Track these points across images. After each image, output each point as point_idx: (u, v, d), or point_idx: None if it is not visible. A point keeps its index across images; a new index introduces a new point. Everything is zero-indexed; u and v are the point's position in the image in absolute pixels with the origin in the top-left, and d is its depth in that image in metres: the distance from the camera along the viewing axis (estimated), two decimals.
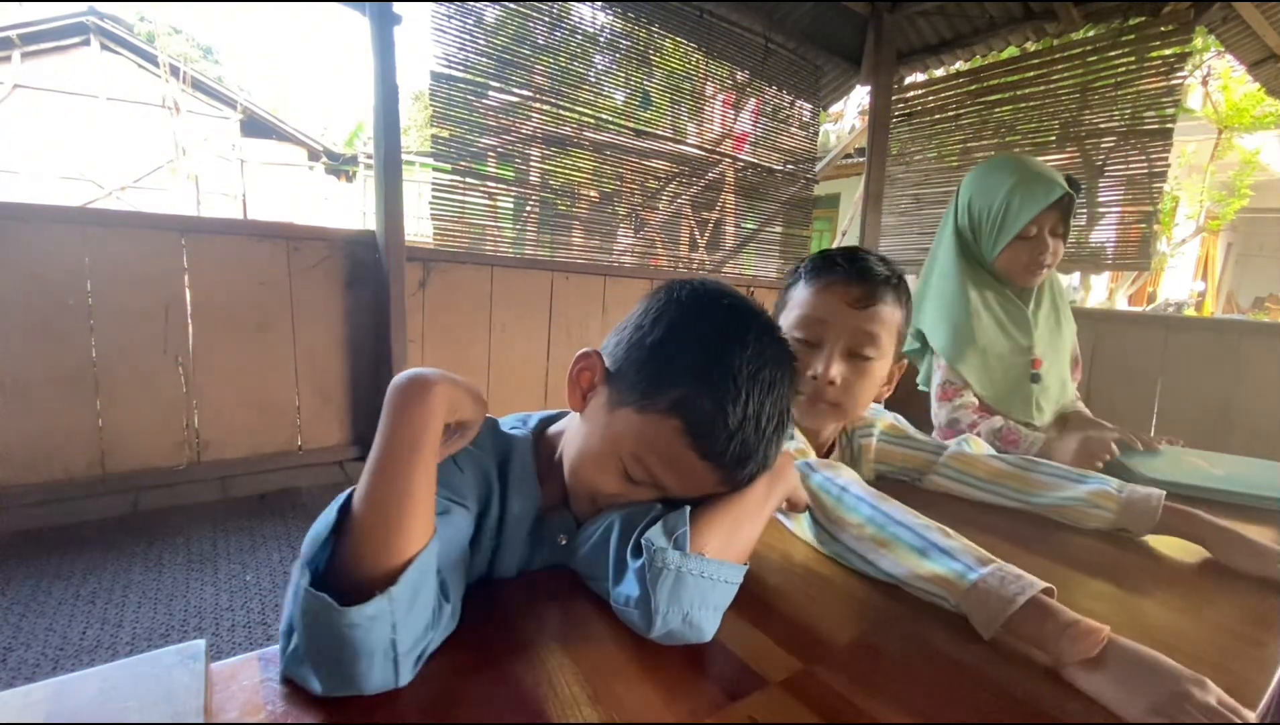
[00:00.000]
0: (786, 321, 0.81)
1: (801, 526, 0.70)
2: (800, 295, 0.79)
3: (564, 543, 0.59)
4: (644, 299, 0.58)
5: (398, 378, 0.45)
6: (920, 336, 1.31)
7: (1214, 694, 0.42)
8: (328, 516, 0.42)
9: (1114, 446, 1.00)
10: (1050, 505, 0.81)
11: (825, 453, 0.89)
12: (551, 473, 0.60)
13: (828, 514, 0.65)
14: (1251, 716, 0.42)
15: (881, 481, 0.93)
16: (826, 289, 0.77)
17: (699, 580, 0.47)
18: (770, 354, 0.53)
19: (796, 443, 0.77)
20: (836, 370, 0.76)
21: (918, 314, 1.28)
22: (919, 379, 1.37)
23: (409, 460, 0.42)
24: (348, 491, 0.43)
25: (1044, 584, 0.50)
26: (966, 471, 0.88)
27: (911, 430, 0.96)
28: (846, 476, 0.68)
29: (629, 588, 0.48)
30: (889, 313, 0.78)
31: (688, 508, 0.52)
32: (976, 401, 1.21)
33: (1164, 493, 0.76)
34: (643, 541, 0.48)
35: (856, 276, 0.76)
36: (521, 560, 0.59)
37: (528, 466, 0.59)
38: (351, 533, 0.40)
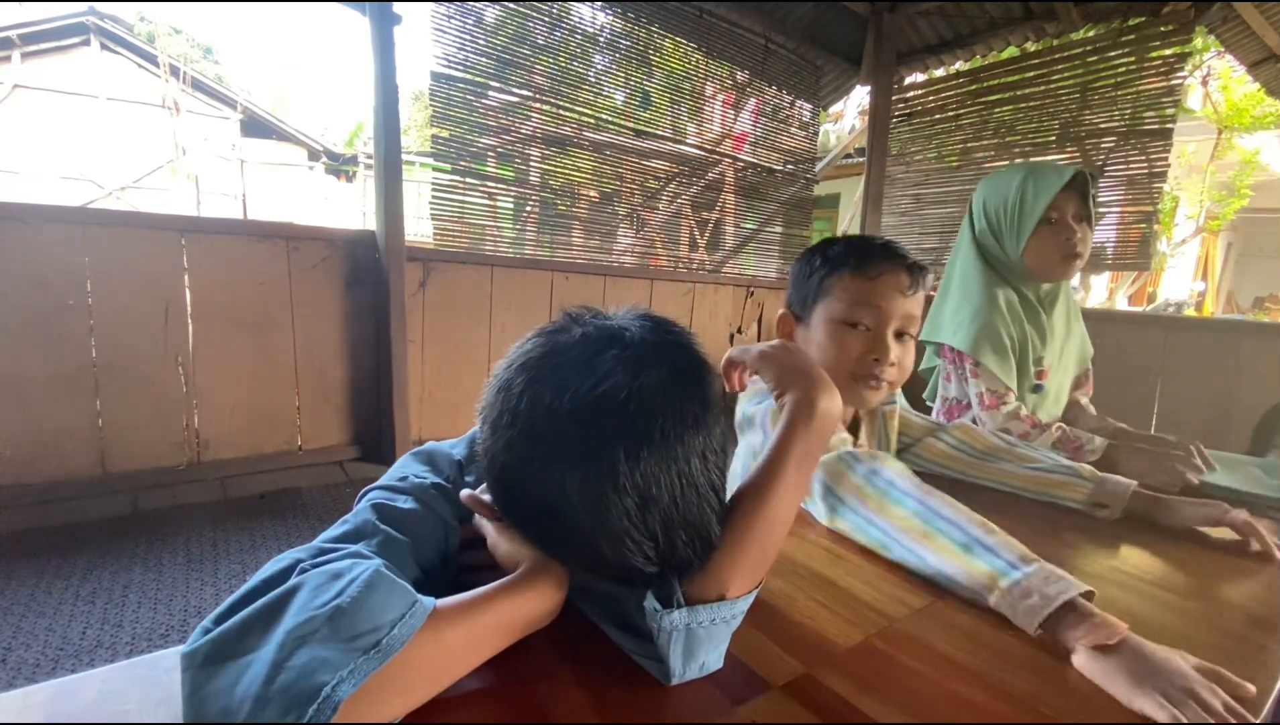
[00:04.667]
0: (833, 309, 0.81)
1: (820, 508, 0.71)
2: (848, 281, 0.81)
3: None
4: (481, 411, 0.46)
5: (548, 575, 0.45)
6: (936, 351, 1.31)
7: (1221, 698, 0.43)
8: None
9: (1184, 473, 0.99)
10: (1034, 473, 0.91)
11: (849, 422, 0.92)
12: None
13: (871, 506, 0.67)
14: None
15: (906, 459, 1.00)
16: (880, 275, 0.79)
17: (711, 628, 0.44)
18: (655, 436, 0.40)
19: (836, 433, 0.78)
20: (895, 352, 0.80)
21: (933, 329, 1.28)
22: (926, 393, 1.39)
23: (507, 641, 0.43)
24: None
25: (1085, 587, 0.52)
26: (966, 441, 0.98)
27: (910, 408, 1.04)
28: (892, 469, 0.68)
29: (641, 641, 0.46)
30: (923, 294, 0.83)
31: None
32: (1023, 407, 1.18)
33: (1134, 483, 0.85)
34: (644, 606, 0.44)
35: (903, 266, 0.80)
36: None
37: None
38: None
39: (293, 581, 0.36)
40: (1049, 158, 3.15)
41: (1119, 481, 0.85)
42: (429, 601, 0.38)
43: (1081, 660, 0.48)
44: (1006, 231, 1.18)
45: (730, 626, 0.46)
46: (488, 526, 0.49)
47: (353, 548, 0.41)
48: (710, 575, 0.45)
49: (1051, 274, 1.19)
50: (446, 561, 0.49)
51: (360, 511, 0.47)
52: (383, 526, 0.45)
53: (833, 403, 0.51)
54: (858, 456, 0.70)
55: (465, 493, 0.51)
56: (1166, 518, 0.82)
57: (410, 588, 0.37)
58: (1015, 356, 1.19)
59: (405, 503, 0.48)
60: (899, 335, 0.81)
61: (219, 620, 0.34)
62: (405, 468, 0.55)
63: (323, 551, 0.40)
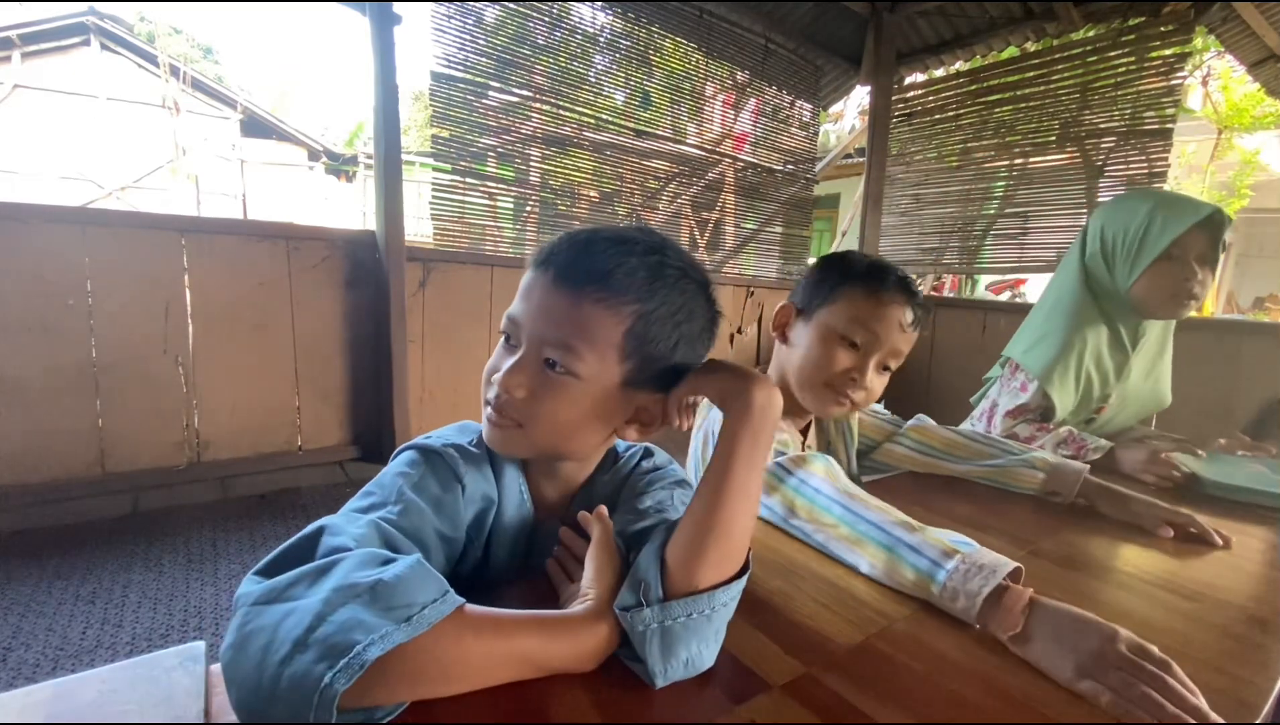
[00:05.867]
0: (835, 318, 0.82)
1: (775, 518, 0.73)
2: (857, 299, 0.81)
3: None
4: None
5: (595, 629, 0.44)
6: (1004, 364, 1.31)
7: (1124, 642, 0.47)
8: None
9: (1177, 464, 1.01)
10: (992, 467, 0.94)
11: (805, 428, 0.96)
12: (539, 477, 0.60)
13: (804, 515, 0.70)
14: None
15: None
16: (887, 305, 0.80)
17: (688, 622, 0.44)
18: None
19: (780, 435, 0.80)
20: (871, 379, 0.82)
21: (1014, 345, 1.29)
22: (973, 398, 1.39)
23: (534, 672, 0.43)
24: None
25: (1011, 566, 0.54)
26: (923, 440, 1.01)
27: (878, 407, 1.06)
28: (819, 473, 0.71)
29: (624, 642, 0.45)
30: (916, 334, 0.84)
31: (654, 548, 0.48)
32: (1040, 422, 1.19)
33: (1088, 467, 0.88)
34: (615, 609, 0.45)
35: (913, 303, 0.81)
36: (514, 571, 0.59)
37: (517, 474, 0.59)
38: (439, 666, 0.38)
39: (339, 555, 0.39)
40: (1048, 158, 3.15)
41: (1071, 468, 0.88)
42: (459, 598, 0.40)
43: (1013, 646, 0.50)
44: (1121, 259, 1.13)
45: (712, 620, 0.45)
46: (595, 538, 0.51)
47: (376, 516, 0.46)
48: (675, 570, 0.45)
49: (1158, 311, 1.14)
50: (460, 522, 0.53)
51: (387, 483, 0.51)
52: (408, 493, 0.49)
53: (769, 396, 0.49)
54: (786, 467, 0.73)
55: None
56: (1109, 508, 0.84)
57: (444, 581, 0.40)
58: (1078, 392, 1.18)
59: (422, 469, 0.53)
60: (883, 366, 0.83)
61: (262, 573, 0.40)
62: (438, 431, 0.59)
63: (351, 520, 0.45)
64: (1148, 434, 1.26)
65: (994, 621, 0.51)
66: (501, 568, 0.59)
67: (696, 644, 0.44)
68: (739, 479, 0.47)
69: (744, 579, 0.48)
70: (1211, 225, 1.06)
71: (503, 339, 0.56)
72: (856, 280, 0.82)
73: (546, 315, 0.52)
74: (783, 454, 0.75)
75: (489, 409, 0.54)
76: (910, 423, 1.04)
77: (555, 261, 0.52)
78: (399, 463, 0.54)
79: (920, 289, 0.83)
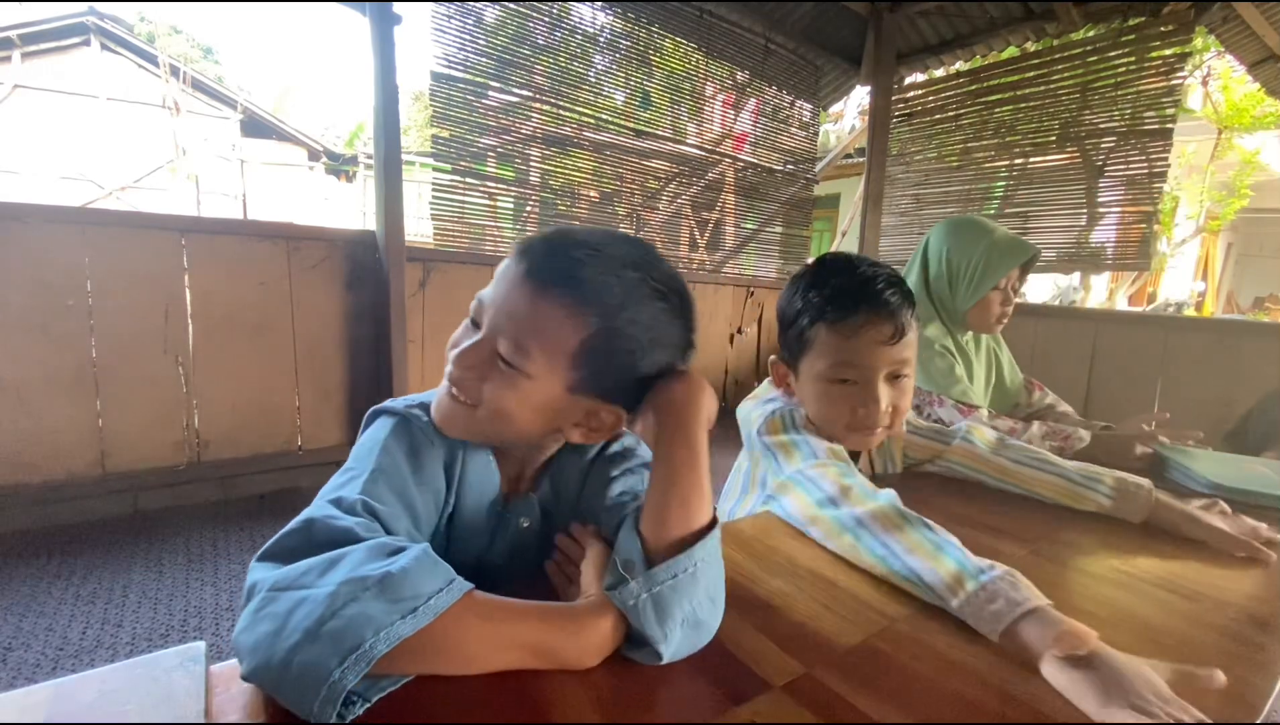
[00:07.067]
0: (817, 367, 0.79)
1: (794, 511, 0.72)
2: (829, 341, 0.78)
3: (526, 526, 0.60)
4: None
5: (596, 624, 0.45)
6: None
7: (1193, 713, 0.41)
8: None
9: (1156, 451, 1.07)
10: (1052, 494, 0.88)
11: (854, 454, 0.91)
12: (506, 455, 0.60)
13: (840, 493, 0.68)
14: None
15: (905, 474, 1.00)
16: (859, 333, 0.76)
17: (675, 583, 0.45)
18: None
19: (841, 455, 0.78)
20: (886, 401, 0.78)
21: None
22: None
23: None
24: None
25: (1047, 601, 0.51)
26: (975, 467, 0.95)
27: (915, 417, 1.03)
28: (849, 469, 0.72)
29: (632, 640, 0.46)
30: (913, 332, 0.80)
31: (629, 528, 0.49)
32: (992, 411, 1.24)
33: (1152, 487, 0.82)
34: (604, 592, 0.46)
35: (885, 314, 0.76)
36: (482, 545, 0.59)
37: (485, 450, 0.58)
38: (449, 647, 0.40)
39: (350, 548, 0.40)
40: (1048, 158, 3.16)
41: (1140, 493, 0.81)
42: (466, 584, 0.41)
43: (1050, 670, 0.46)
44: (964, 286, 1.29)
45: (698, 578, 0.46)
46: (591, 545, 0.53)
47: (360, 493, 0.47)
48: (650, 537, 0.47)
49: (981, 328, 1.33)
50: (440, 482, 0.55)
51: (364, 454, 0.52)
52: (386, 461, 0.51)
53: (688, 390, 0.53)
54: (805, 473, 0.73)
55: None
56: (1188, 531, 0.77)
57: (451, 568, 0.41)
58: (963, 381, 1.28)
59: (397, 435, 0.54)
60: (894, 377, 0.79)
61: (267, 558, 0.42)
62: (406, 397, 0.60)
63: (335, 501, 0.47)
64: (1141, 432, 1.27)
65: (1026, 638, 0.49)
66: (470, 532, 0.58)
67: (689, 603, 0.45)
68: (685, 447, 0.50)
69: (716, 531, 0.49)
70: (1029, 263, 1.28)
71: (470, 316, 0.56)
72: (821, 315, 0.78)
73: (508, 308, 0.51)
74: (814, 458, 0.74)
75: (446, 382, 0.55)
76: (957, 442, 0.97)
77: (531, 254, 0.51)
78: (375, 431, 0.54)
79: (894, 293, 0.77)
